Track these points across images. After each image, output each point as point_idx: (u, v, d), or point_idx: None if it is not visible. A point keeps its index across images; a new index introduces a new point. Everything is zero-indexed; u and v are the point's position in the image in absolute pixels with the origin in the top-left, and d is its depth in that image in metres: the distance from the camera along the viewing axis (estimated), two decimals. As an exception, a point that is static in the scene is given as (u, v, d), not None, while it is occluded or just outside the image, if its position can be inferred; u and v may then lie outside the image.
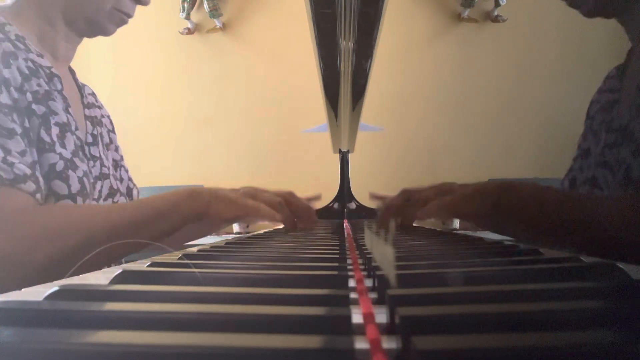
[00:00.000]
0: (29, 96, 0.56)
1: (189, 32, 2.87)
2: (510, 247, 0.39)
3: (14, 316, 0.17)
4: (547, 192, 0.49)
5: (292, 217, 0.68)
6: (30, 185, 0.52)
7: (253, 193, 0.63)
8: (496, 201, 0.50)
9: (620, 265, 0.25)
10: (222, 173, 2.81)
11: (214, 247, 0.44)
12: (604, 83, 0.71)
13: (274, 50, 2.82)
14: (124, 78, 2.84)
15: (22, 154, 0.52)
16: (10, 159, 0.50)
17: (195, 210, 0.57)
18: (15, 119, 0.53)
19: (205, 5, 2.76)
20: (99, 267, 0.38)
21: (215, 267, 0.29)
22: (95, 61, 2.69)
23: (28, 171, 0.52)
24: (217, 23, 2.83)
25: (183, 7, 2.78)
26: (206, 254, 0.37)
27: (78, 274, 0.29)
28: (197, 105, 2.85)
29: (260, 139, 2.82)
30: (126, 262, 0.45)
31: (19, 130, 0.53)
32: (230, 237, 0.63)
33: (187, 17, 2.82)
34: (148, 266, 0.29)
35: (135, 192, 0.83)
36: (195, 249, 0.40)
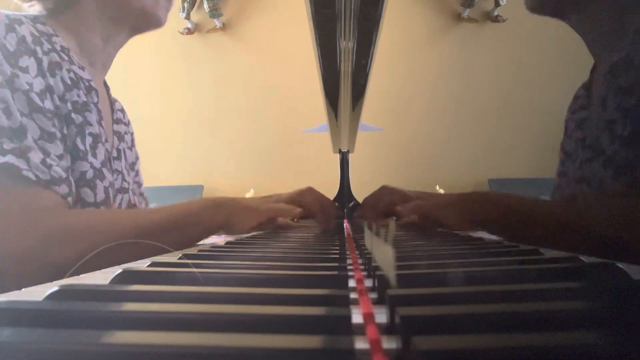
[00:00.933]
0: (69, 105, 0.59)
1: (189, 32, 2.87)
2: (510, 247, 0.39)
3: (14, 316, 0.17)
4: (510, 199, 0.55)
5: (318, 206, 0.71)
6: (64, 189, 0.54)
7: (275, 199, 0.66)
8: (469, 212, 0.56)
9: (620, 265, 0.25)
10: (222, 173, 2.81)
11: (214, 247, 0.44)
12: (573, 102, 0.75)
13: (274, 50, 2.82)
14: (124, 78, 2.83)
15: (60, 157, 0.55)
16: (49, 161, 0.53)
17: (218, 221, 0.59)
18: (56, 124, 0.55)
19: (205, 5, 2.76)
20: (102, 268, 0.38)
21: (215, 267, 0.29)
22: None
23: (64, 174, 0.54)
24: (217, 23, 2.83)
25: (183, 7, 2.78)
26: (206, 254, 0.37)
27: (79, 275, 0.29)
28: (197, 105, 2.85)
29: (261, 138, 2.82)
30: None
31: (59, 135, 0.55)
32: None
33: (187, 17, 2.82)
34: (148, 266, 0.29)
35: (143, 205, 0.85)
36: (195, 249, 0.40)
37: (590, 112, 0.66)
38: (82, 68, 0.64)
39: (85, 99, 0.62)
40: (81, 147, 0.59)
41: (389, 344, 0.15)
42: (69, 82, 0.60)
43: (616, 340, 0.13)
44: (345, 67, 0.54)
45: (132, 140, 0.84)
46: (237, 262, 0.33)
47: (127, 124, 0.82)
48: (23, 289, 0.23)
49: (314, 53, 0.53)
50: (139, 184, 0.84)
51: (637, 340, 0.12)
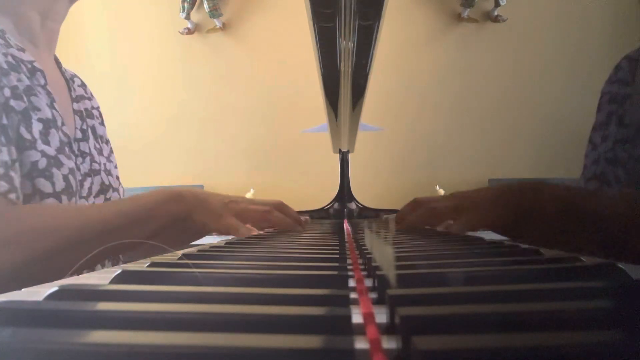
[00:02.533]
0: (7, 92, 0.54)
1: (189, 32, 2.87)
2: (510, 247, 0.39)
3: (14, 316, 0.17)
4: (569, 191, 0.48)
5: (285, 219, 0.66)
6: (1, 185, 0.49)
7: (242, 208, 0.61)
8: (517, 205, 0.49)
9: (620, 265, 0.25)
10: (222, 173, 2.81)
11: (214, 247, 0.44)
12: (614, 73, 0.68)
13: (274, 50, 2.82)
14: (123, 78, 2.84)
15: None
16: None
17: (175, 214, 0.55)
18: None
19: (205, 5, 2.76)
20: (82, 269, 0.37)
21: (215, 267, 0.29)
22: (95, 61, 2.69)
23: (0, 170, 0.50)
24: (217, 23, 2.83)
25: (183, 7, 2.78)
26: (206, 254, 0.37)
27: (59, 277, 0.28)
28: (197, 105, 2.85)
29: (260, 138, 2.82)
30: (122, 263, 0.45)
31: None
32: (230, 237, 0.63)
33: (187, 17, 2.82)
34: (148, 266, 0.29)
35: (121, 190, 0.80)
36: (195, 249, 0.40)
37: (635, 89, 0.60)
38: (22, 50, 0.60)
39: (28, 83, 0.57)
40: (27, 135, 0.54)
41: (389, 344, 0.15)
42: (5, 66, 0.55)
43: (616, 340, 0.13)
44: (345, 67, 0.54)
45: (101, 115, 0.78)
46: (237, 262, 0.33)
47: (91, 98, 0.76)
48: (23, 289, 0.22)
49: (314, 53, 0.53)
50: (114, 165, 0.78)
51: (637, 340, 0.12)
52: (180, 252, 0.36)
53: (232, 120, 2.85)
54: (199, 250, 0.39)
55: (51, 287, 0.21)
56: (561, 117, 2.62)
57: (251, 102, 2.83)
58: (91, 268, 0.52)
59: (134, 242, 0.52)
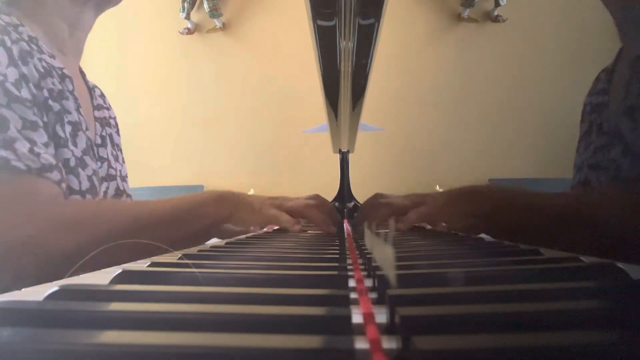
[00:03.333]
0: (46, 92, 0.58)
1: (189, 32, 2.87)
2: (510, 247, 0.39)
3: (14, 316, 0.17)
4: (508, 192, 0.57)
5: (324, 218, 0.69)
6: (56, 175, 0.53)
7: (279, 203, 0.65)
8: (466, 206, 0.57)
9: (620, 265, 0.25)
10: (222, 173, 2.81)
11: (214, 247, 0.44)
12: (593, 86, 0.72)
13: (274, 50, 2.82)
14: (124, 78, 2.84)
15: (46, 145, 0.54)
16: (36, 149, 0.52)
17: (220, 215, 0.58)
18: (36, 112, 0.55)
19: (205, 5, 2.76)
20: (102, 267, 0.38)
21: (215, 267, 0.29)
22: (95, 61, 2.69)
23: (53, 161, 0.53)
24: (217, 23, 2.83)
25: (183, 7, 2.78)
26: (206, 254, 0.37)
27: (79, 274, 0.28)
28: (197, 105, 2.85)
29: (260, 138, 2.82)
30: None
31: (41, 123, 0.55)
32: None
33: (187, 17, 2.82)
34: (148, 266, 0.29)
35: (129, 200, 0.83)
36: (195, 249, 0.40)
37: (610, 98, 0.64)
38: (53, 57, 0.63)
39: (60, 87, 0.61)
40: (61, 134, 0.58)
41: (389, 344, 0.15)
42: (42, 70, 0.59)
43: (616, 340, 0.13)
44: (345, 67, 0.54)
45: (116, 125, 0.82)
46: (237, 262, 0.33)
47: (109, 108, 0.81)
48: (23, 289, 0.22)
49: (314, 53, 0.53)
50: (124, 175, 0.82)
51: (637, 340, 0.12)
52: (180, 252, 0.36)
53: (232, 120, 2.85)
54: (199, 250, 0.39)
55: (51, 287, 0.21)
56: (561, 117, 2.62)
57: (251, 102, 2.83)
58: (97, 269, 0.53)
59: (133, 242, 0.52)
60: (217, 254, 0.38)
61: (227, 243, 0.50)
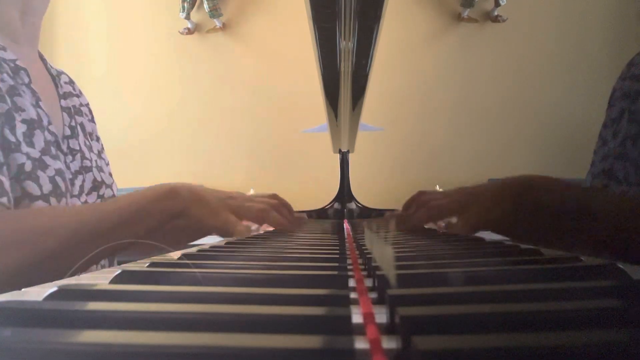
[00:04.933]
0: None
1: (189, 32, 2.86)
2: (510, 247, 0.39)
3: (14, 316, 0.17)
4: (571, 187, 0.48)
5: (281, 220, 0.67)
6: None
7: (238, 205, 0.61)
8: (518, 203, 0.48)
9: (620, 265, 0.25)
10: (221, 173, 2.81)
11: (214, 247, 0.44)
12: (627, 69, 0.67)
13: (274, 50, 2.82)
14: (124, 78, 2.84)
15: None
16: None
17: (171, 210, 0.54)
18: None
19: (205, 5, 2.76)
20: (83, 269, 0.37)
21: (215, 267, 0.29)
22: (95, 61, 2.69)
23: None
24: (217, 23, 2.83)
25: (183, 7, 2.78)
26: (206, 254, 0.37)
27: (59, 277, 0.28)
28: (197, 105, 2.85)
29: (260, 139, 2.82)
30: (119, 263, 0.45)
31: None
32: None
33: (187, 17, 2.81)
34: (148, 266, 0.29)
35: (114, 187, 0.78)
36: (195, 249, 0.40)
37: None
38: (4, 48, 0.59)
39: (12, 82, 0.56)
40: (11, 138, 0.53)
41: (389, 344, 0.15)
42: None
43: (616, 340, 0.13)
44: (345, 67, 0.54)
45: (90, 112, 0.76)
46: (237, 262, 0.33)
47: (80, 95, 0.75)
48: (23, 289, 0.22)
49: (314, 53, 0.53)
50: (106, 162, 0.77)
51: (637, 340, 0.12)
52: (180, 252, 0.36)
53: (232, 120, 2.85)
54: (199, 250, 0.39)
55: (51, 287, 0.21)
56: (561, 117, 2.62)
57: (251, 102, 2.83)
58: (86, 269, 0.52)
59: (131, 242, 0.51)
60: (217, 254, 0.38)
61: (227, 243, 0.50)
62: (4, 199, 0.50)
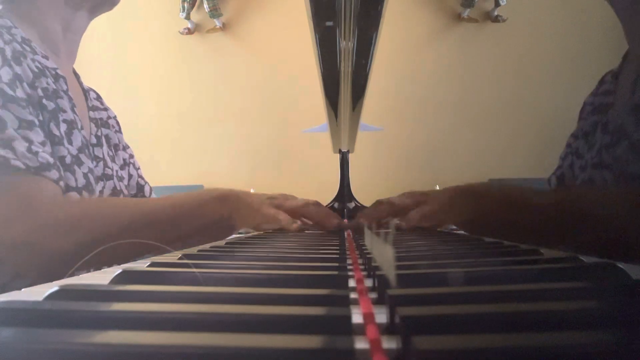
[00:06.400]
0: (40, 92, 0.58)
1: (189, 32, 2.87)
2: (510, 247, 0.39)
3: (14, 316, 0.17)
4: (511, 190, 0.56)
5: (320, 214, 0.70)
6: (54, 174, 0.53)
7: (278, 203, 0.65)
8: (471, 205, 0.56)
9: (620, 265, 0.25)
10: (221, 173, 2.81)
11: (214, 247, 0.44)
12: (598, 87, 0.72)
13: (274, 50, 2.82)
14: (124, 78, 2.84)
15: (43, 144, 0.54)
16: (34, 148, 0.52)
17: (221, 213, 0.59)
18: (31, 112, 0.55)
19: (205, 5, 2.76)
20: (102, 266, 0.38)
21: (215, 267, 0.29)
22: (95, 61, 2.69)
23: (51, 159, 0.54)
24: (217, 23, 2.83)
25: (183, 7, 2.78)
26: (206, 254, 0.37)
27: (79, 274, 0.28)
28: (197, 105, 2.85)
29: (260, 139, 2.82)
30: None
31: (37, 122, 0.55)
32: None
33: (187, 17, 2.82)
34: (148, 266, 0.29)
35: (147, 188, 0.84)
36: (195, 249, 0.40)
37: (616, 98, 0.65)
38: (46, 57, 0.63)
39: (54, 87, 0.61)
40: (56, 132, 0.58)
41: (389, 344, 0.15)
42: (35, 70, 0.59)
43: (616, 340, 0.13)
44: (345, 67, 0.54)
45: (118, 124, 0.82)
46: (237, 262, 0.33)
47: (107, 109, 0.81)
48: (23, 289, 0.22)
49: (314, 53, 0.53)
50: (136, 167, 0.83)
51: (637, 340, 0.12)
52: (180, 252, 0.36)
53: (232, 120, 2.85)
54: (199, 250, 0.39)
55: (51, 287, 0.21)
56: (561, 117, 2.62)
57: (251, 102, 2.83)
58: (99, 268, 0.53)
59: (132, 242, 0.52)
60: (217, 254, 0.38)
61: (227, 243, 0.50)
62: (62, 183, 0.55)
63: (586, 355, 0.12)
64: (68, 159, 0.59)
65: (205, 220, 0.58)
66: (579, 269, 0.26)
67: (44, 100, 0.58)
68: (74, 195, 0.58)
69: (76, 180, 0.59)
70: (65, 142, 0.60)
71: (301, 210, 0.67)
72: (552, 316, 0.15)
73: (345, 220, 0.85)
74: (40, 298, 0.20)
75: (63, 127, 0.60)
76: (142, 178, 0.84)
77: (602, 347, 0.12)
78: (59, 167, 0.55)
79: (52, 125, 0.58)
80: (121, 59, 2.85)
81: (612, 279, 0.24)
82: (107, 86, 2.73)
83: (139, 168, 0.84)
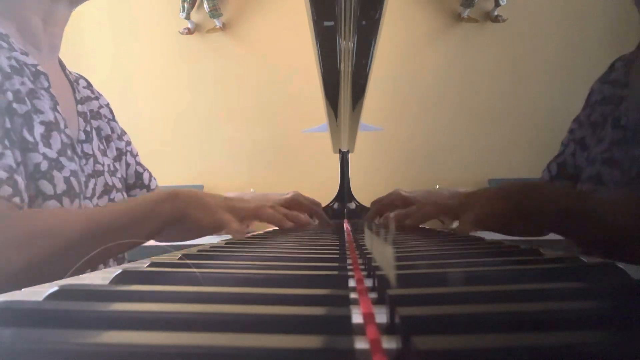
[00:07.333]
0: (10, 95, 0.55)
1: (189, 32, 2.86)
2: (510, 247, 0.39)
3: (14, 316, 0.17)
4: (568, 193, 0.50)
5: (287, 219, 0.68)
6: (5, 190, 0.50)
7: (233, 205, 0.62)
8: (517, 206, 0.49)
9: (620, 265, 0.25)
10: (222, 173, 2.81)
11: (214, 247, 0.44)
12: (607, 73, 0.68)
13: (274, 50, 2.81)
14: (124, 78, 2.83)
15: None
16: None
17: (173, 213, 0.56)
18: None
19: (205, 5, 2.76)
20: (85, 269, 0.37)
21: (215, 267, 0.29)
22: (95, 61, 2.69)
23: (4, 175, 0.50)
24: (217, 23, 2.83)
25: (183, 7, 2.78)
26: (206, 254, 0.37)
27: (63, 276, 0.28)
28: (197, 105, 2.85)
29: (260, 139, 2.82)
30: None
31: None
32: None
33: (187, 17, 2.81)
34: (148, 266, 0.29)
35: (146, 175, 0.82)
36: (195, 249, 0.40)
37: (631, 91, 0.60)
38: (26, 53, 0.61)
39: (32, 86, 0.59)
40: (29, 138, 0.56)
41: (389, 344, 0.15)
42: (8, 69, 0.56)
43: (616, 340, 0.13)
44: (345, 67, 0.54)
45: (111, 112, 0.80)
46: (237, 262, 0.33)
47: (99, 97, 0.78)
48: (23, 289, 0.22)
49: (314, 53, 0.53)
50: (134, 154, 0.82)
51: (636, 340, 0.12)
52: (180, 252, 0.36)
53: (232, 120, 2.85)
54: (199, 250, 0.39)
55: (51, 287, 0.21)
56: (561, 117, 2.62)
57: (251, 102, 2.83)
58: (91, 269, 0.53)
59: (133, 242, 0.52)
60: (217, 254, 0.38)
61: (227, 243, 0.50)
62: (17, 199, 0.52)
63: (586, 355, 0.12)
64: (44, 165, 0.56)
65: (159, 221, 0.55)
66: (579, 269, 0.26)
67: (14, 104, 0.55)
68: (52, 204, 0.56)
69: (55, 186, 0.57)
70: (40, 146, 0.57)
71: (256, 213, 0.65)
72: (552, 316, 0.15)
73: (309, 219, 0.79)
74: (40, 298, 0.20)
75: (40, 129, 0.57)
76: (141, 165, 0.82)
77: (602, 347, 0.12)
78: (16, 182, 0.51)
79: (24, 131, 0.55)
80: (120, 59, 2.85)
81: (612, 279, 0.24)
82: (107, 86, 2.73)
83: (137, 155, 0.82)
